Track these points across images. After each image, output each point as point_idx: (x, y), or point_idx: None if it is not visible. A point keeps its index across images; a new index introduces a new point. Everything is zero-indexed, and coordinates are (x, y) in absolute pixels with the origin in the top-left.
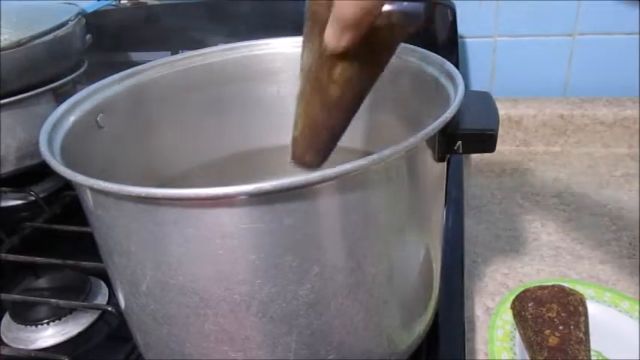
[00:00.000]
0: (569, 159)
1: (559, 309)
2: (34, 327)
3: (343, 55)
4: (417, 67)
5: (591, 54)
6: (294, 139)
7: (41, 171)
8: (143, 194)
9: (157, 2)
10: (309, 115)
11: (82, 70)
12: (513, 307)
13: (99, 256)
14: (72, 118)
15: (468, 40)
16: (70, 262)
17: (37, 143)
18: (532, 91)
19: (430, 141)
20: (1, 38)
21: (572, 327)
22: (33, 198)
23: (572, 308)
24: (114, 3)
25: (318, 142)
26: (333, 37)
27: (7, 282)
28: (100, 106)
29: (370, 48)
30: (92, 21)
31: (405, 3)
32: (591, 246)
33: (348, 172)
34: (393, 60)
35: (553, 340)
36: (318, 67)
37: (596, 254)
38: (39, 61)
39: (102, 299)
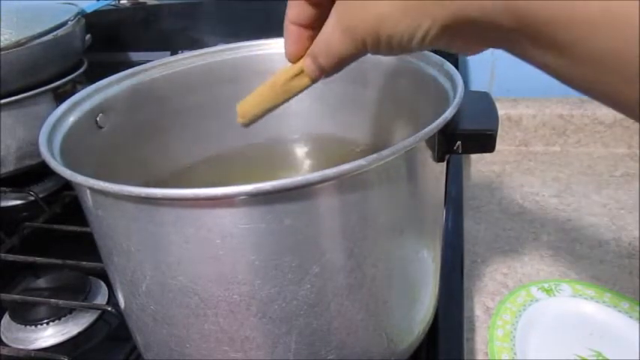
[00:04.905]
0: (568, 159)
1: None
2: (33, 327)
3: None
4: (416, 67)
5: None
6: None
7: (41, 171)
8: (143, 194)
9: (156, 2)
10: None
11: (81, 70)
12: None
13: (99, 256)
14: (72, 119)
15: None
16: (70, 262)
17: (37, 143)
18: (532, 91)
19: (430, 141)
20: (1, 38)
21: None
22: (33, 198)
23: None
24: (114, 3)
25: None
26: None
27: (7, 282)
28: (100, 106)
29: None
30: (92, 21)
31: None
32: (591, 246)
33: (348, 172)
34: (393, 60)
35: None
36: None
37: (596, 254)
38: (39, 61)
39: (102, 299)
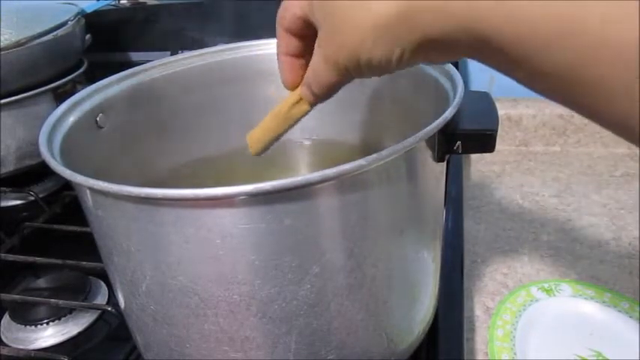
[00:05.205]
0: (568, 159)
1: None
2: (33, 327)
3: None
4: (416, 67)
5: None
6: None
7: (41, 171)
8: (143, 194)
9: (156, 2)
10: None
11: (81, 70)
12: None
13: (99, 256)
14: (71, 119)
15: None
16: (70, 262)
17: (37, 143)
18: (532, 91)
19: (430, 141)
20: (1, 38)
21: None
22: (33, 198)
23: None
24: (114, 3)
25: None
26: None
27: (7, 282)
28: (100, 106)
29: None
30: (92, 21)
31: None
32: (591, 246)
33: (348, 172)
34: None
35: None
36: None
37: (596, 254)
38: (39, 61)
39: (102, 299)
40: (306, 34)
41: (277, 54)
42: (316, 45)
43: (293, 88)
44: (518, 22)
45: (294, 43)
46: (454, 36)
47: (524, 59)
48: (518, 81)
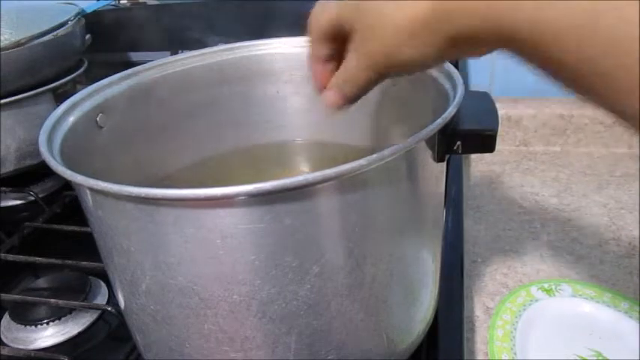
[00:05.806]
0: (568, 159)
1: None
2: (33, 327)
3: None
4: None
5: None
6: None
7: (41, 171)
8: (142, 194)
9: (156, 2)
10: None
11: (81, 70)
12: None
13: (99, 256)
14: (71, 119)
15: None
16: (70, 262)
17: (37, 143)
18: (532, 91)
19: (430, 141)
20: (1, 38)
21: None
22: (33, 198)
23: None
24: (114, 3)
25: None
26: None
27: (7, 282)
28: (100, 106)
29: None
30: (92, 21)
31: None
32: (591, 246)
33: (348, 172)
34: None
35: None
36: None
37: (596, 254)
38: (39, 61)
39: (102, 299)
40: (338, 39)
41: (309, 58)
42: (351, 47)
43: (323, 89)
44: (537, 21)
45: (326, 48)
46: (483, 32)
47: (546, 54)
48: (545, 74)
